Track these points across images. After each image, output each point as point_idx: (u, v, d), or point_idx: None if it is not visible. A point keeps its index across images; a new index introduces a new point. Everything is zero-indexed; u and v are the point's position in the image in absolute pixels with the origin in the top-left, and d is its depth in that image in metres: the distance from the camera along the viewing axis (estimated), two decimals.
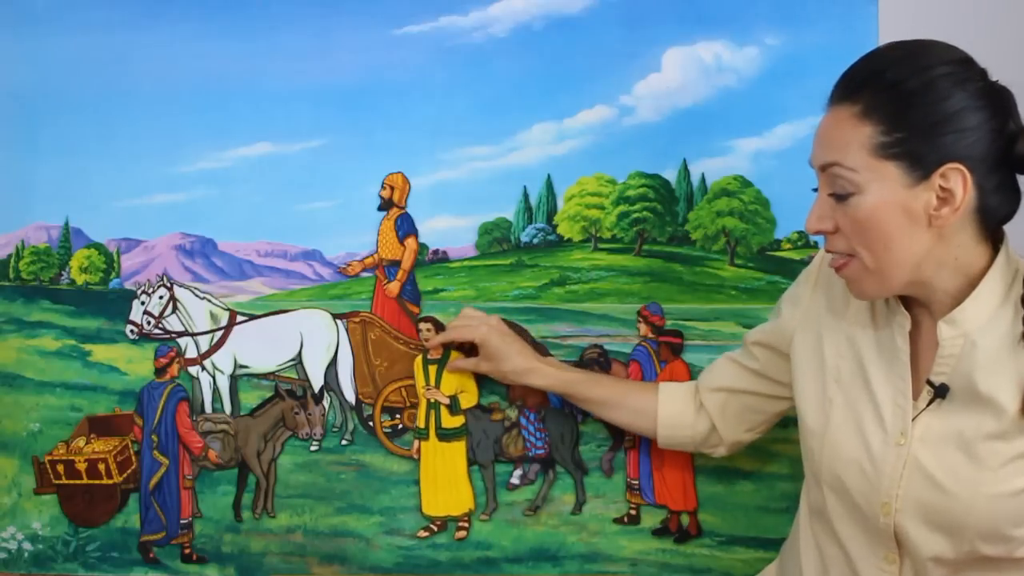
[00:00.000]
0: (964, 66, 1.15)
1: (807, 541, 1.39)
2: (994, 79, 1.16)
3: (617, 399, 1.64)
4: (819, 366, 1.33)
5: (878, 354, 1.26)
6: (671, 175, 1.78)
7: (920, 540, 1.21)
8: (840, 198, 1.15)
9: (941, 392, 1.19)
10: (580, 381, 1.66)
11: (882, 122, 1.11)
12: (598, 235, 1.81)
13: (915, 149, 1.11)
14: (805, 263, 1.69)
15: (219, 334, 1.83)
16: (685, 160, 1.77)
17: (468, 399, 1.80)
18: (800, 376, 1.36)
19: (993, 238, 1.20)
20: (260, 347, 1.83)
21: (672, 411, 1.58)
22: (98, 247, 1.83)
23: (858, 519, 1.26)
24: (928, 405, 1.21)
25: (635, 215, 1.79)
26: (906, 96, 1.12)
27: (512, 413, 1.80)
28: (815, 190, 1.22)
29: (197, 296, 1.83)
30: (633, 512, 1.79)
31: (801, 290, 1.43)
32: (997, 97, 1.15)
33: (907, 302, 1.25)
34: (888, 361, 1.25)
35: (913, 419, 1.21)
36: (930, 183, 1.12)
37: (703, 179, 1.77)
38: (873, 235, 1.14)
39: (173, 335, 1.83)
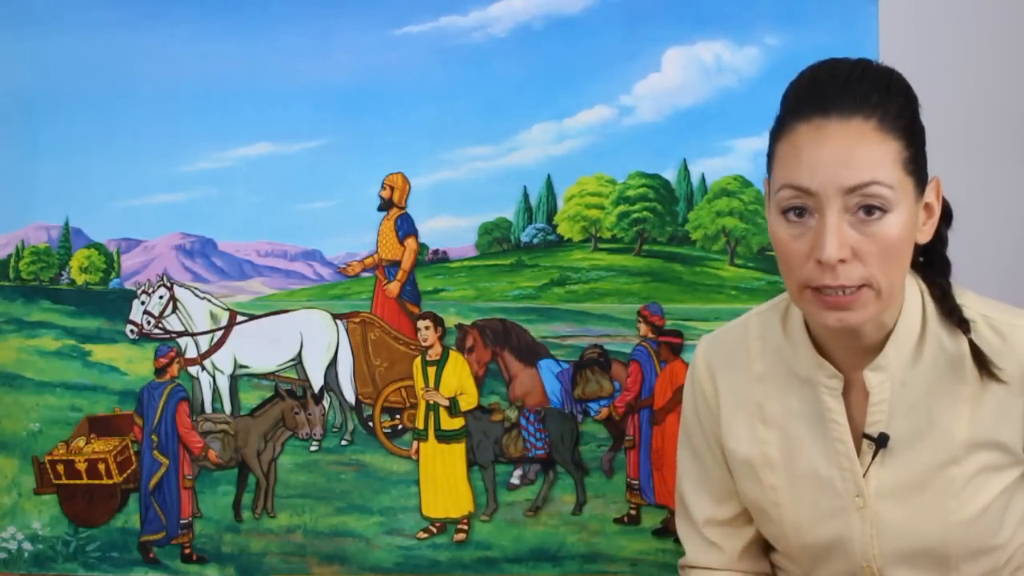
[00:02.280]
0: None
1: None
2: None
3: None
4: (746, 461, 1.26)
5: (806, 424, 1.21)
6: (671, 175, 1.78)
7: None
8: (867, 216, 1.04)
9: (882, 442, 1.16)
10: None
11: (902, 137, 1.07)
12: (598, 235, 1.81)
13: (921, 165, 1.10)
14: None
15: (219, 334, 1.83)
16: (685, 160, 1.77)
17: (467, 401, 1.80)
18: (737, 479, 1.28)
19: None
20: (260, 347, 1.83)
21: None
22: (98, 247, 1.83)
23: None
24: (873, 459, 1.17)
25: (635, 215, 1.79)
26: (911, 110, 1.10)
27: (512, 414, 1.80)
28: (787, 213, 1.08)
29: (197, 296, 1.83)
30: (633, 512, 1.79)
31: (698, 394, 1.31)
32: None
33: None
34: (820, 428, 1.19)
35: (863, 476, 1.17)
36: (923, 198, 1.11)
37: (703, 179, 1.77)
38: (897, 255, 1.07)
39: (173, 335, 1.83)
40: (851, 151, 1.04)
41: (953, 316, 1.15)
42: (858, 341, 1.15)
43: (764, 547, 1.35)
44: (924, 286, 1.19)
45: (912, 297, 1.17)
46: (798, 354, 1.20)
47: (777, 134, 1.11)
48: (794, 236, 1.08)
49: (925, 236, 1.13)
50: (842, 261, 1.04)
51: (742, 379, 1.26)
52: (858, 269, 1.05)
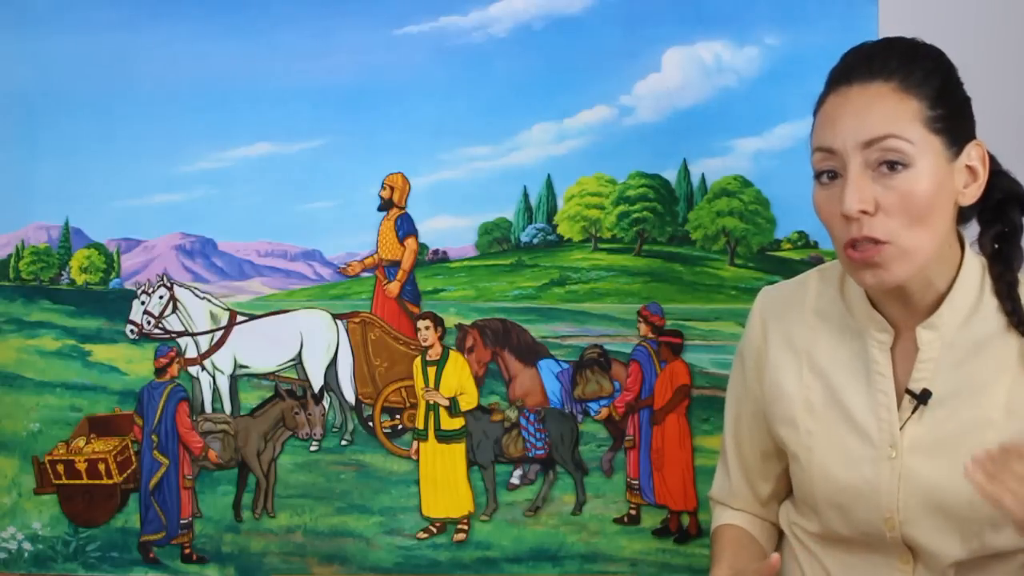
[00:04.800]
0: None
1: (808, 564, 1.36)
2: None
3: None
4: (788, 404, 1.30)
5: (851, 375, 1.25)
6: (671, 175, 1.78)
7: (930, 545, 1.20)
8: (890, 171, 1.10)
9: (923, 398, 1.19)
10: None
11: (925, 97, 1.12)
12: (598, 235, 1.81)
13: (952, 126, 1.13)
14: (805, 263, 1.70)
15: (219, 334, 1.83)
16: (685, 160, 1.77)
17: (467, 401, 1.80)
18: (773, 420, 1.34)
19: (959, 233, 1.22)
20: (260, 347, 1.83)
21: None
22: (98, 247, 1.83)
23: (865, 534, 1.25)
24: (912, 413, 1.20)
25: (635, 215, 1.78)
26: (940, 75, 1.15)
27: (512, 414, 1.80)
28: (820, 177, 1.15)
29: (197, 296, 1.83)
30: (633, 512, 1.79)
31: (747, 344, 1.38)
32: None
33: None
34: (864, 379, 1.23)
35: (900, 430, 1.21)
36: (960, 161, 1.14)
37: (703, 179, 1.77)
38: (921, 211, 1.11)
39: (173, 335, 1.83)
40: (868, 108, 1.11)
41: (1013, 316, 1.17)
42: (908, 299, 1.19)
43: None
44: (987, 264, 1.21)
45: (972, 268, 1.20)
46: (853, 308, 1.25)
47: (815, 112, 1.19)
48: (827, 199, 1.15)
49: (969, 199, 1.16)
50: (866, 213, 1.10)
51: (795, 327, 1.31)
52: (882, 221, 1.10)
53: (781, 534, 1.42)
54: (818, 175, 1.16)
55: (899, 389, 1.22)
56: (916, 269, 1.14)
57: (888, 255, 1.12)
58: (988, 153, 1.17)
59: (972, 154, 1.15)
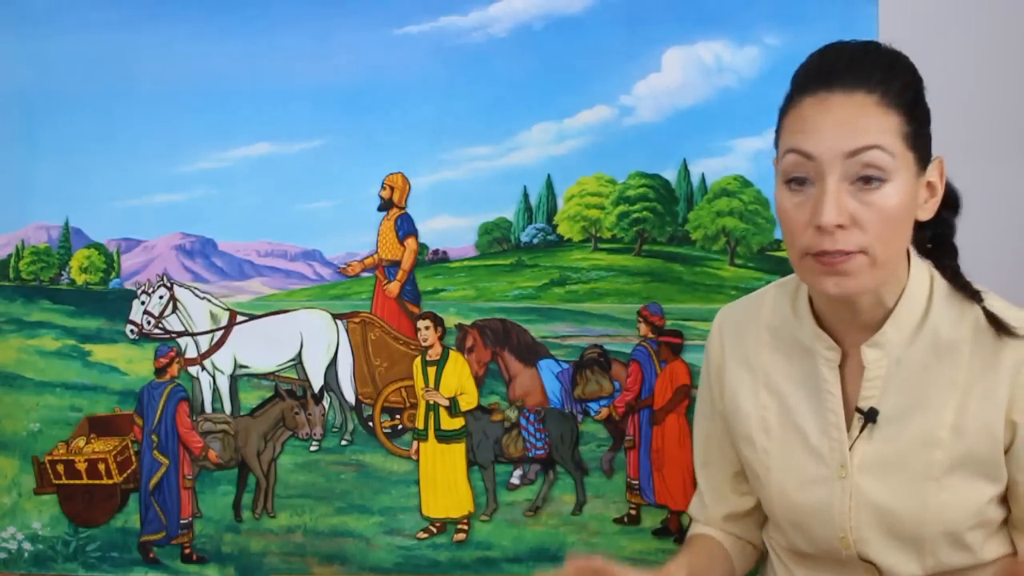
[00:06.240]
0: None
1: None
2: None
3: None
4: (745, 422, 1.31)
5: (804, 394, 1.25)
6: (671, 175, 1.78)
7: (886, 563, 1.21)
8: (866, 186, 1.09)
9: (871, 417, 1.19)
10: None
11: (902, 113, 1.12)
12: (598, 235, 1.81)
13: (922, 143, 1.14)
14: None
15: (219, 334, 1.83)
16: (685, 160, 1.77)
17: (467, 401, 1.80)
18: (735, 437, 1.35)
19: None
20: (260, 347, 1.83)
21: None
22: (98, 247, 1.83)
23: (825, 552, 1.26)
24: (860, 432, 1.20)
25: (635, 215, 1.79)
26: (914, 89, 1.15)
27: (512, 414, 1.80)
28: (790, 183, 1.13)
29: (197, 296, 1.83)
30: (633, 512, 1.79)
31: (709, 362, 1.39)
32: None
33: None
34: (815, 398, 1.24)
35: (849, 449, 1.21)
36: (925, 176, 1.14)
37: (703, 179, 1.77)
38: (894, 225, 1.11)
39: (173, 335, 1.83)
40: (854, 119, 1.09)
41: (966, 290, 1.18)
42: (856, 316, 1.18)
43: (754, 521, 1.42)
44: (934, 271, 1.22)
45: (919, 280, 1.20)
46: (802, 325, 1.25)
47: (784, 111, 1.17)
48: (796, 205, 1.12)
49: (927, 214, 1.16)
50: (841, 227, 1.08)
51: (752, 345, 1.31)
52: (856, 236, 1.09)
53: (765, 553, 1.42)
54: (788, 180, 1.13)
55: (850, 408, 1.21)
56: (879, 282, 1.14)
57: (857, 264, 1.10)
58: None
59: (934, 170, 1.15)
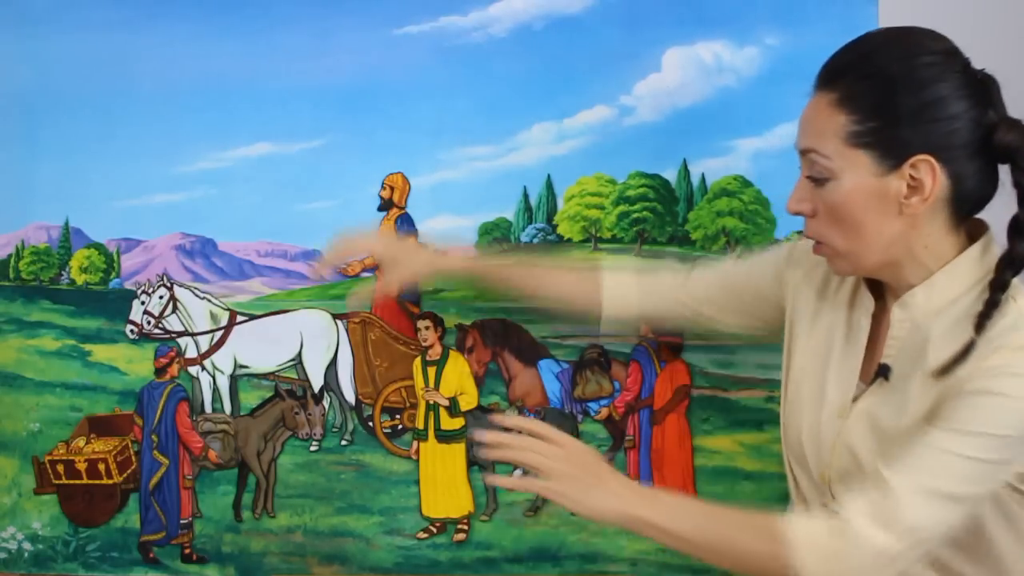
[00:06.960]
0: (947, 56, 1.16)
1: None
2: (981, 68, 1.16)
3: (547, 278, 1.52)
4: (803, 341, 1.33)
5: (845, 334, 1.28)
6: (671, 175, 1.78)
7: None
8: (817, 183, 1.18)
9: (883, 372, 1.21)
10: (498, 263, 1.54)
11: (857, 111, 1.14)
12: (598, 235, 1.81)
13: (887, 139, 1.13)
14: None
15: (219, 334, 1.83)
16: (685, 160, 1.77)
17: (467, 401, 1.80)
18: (789, 347, 1.36)
19: (969, 229, 1.20)
20: (260, 347, 1.83)
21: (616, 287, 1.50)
22: (98, 247, 1.83)
23: (817, 497, 1.27)
24: (869, 385, 1.22)
25: (635, 215, 1.79)
26: (882, 85, 1.14)
27: (512, 414, 1.80)
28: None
29: (197, 296, 1.83)
30: None
31: (796, 270, 1.40)
32: (979, 86, 1.15)
33: (881, 286, 1.26)
34: (850, 341, 1.27)
35: (857, 398, 1.23)
36: (901, 172, 1.14)
37: (703, 179, 1.77)
38: (845, 220, 1.16)
39: (173, 335, 1.83)
40: (807, 121, 1.20)
41: (999, 279, 1.14)
42: (888, 280, 1.23)
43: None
44: (994, 263, 1.17)
45: (966, 266, 1.18)
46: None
47: None
48: None
49: (914, 210, 1.15)
50: (807, 215, 1.20)
51: (819, 277, 1.34)
52: (817, 225, 1.20)
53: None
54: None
55: (871, 360, 1.24)
56: (860, 269, 1.21)
57: (826, 253, 1.21)
58: (937, 166, 1.13)
59: (920, 168, 1.12)
